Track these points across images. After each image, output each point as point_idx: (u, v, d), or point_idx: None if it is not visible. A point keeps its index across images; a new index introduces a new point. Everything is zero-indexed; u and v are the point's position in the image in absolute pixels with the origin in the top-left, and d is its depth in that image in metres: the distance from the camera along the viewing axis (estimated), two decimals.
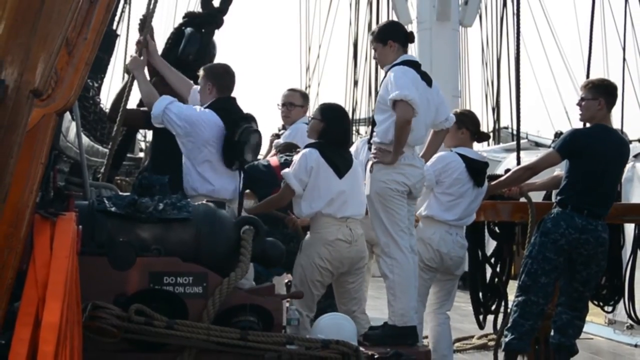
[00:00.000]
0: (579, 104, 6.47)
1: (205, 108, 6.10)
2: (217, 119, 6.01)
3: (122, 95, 6.76)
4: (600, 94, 6.38)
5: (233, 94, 6.32)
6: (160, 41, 7.05)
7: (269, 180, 6.83)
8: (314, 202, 6.10)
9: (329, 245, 6.08)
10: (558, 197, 6.39)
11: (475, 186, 6.64)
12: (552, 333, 6.43)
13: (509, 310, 6.97)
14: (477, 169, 6.67)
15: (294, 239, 6.61)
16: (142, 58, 6.48)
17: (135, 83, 6.53)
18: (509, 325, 6.35)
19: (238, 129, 5.95)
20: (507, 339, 6.30)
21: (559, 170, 6.82)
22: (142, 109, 6.81)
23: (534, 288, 6.24)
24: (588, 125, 6.56)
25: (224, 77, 6.28)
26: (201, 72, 6.27)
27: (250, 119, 6.14)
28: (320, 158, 6.11)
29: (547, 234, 6.25)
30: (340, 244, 6.07)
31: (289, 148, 7.14)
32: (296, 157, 6.25)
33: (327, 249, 6.08)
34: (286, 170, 6.24)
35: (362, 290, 6.46)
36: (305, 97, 8.37)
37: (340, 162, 6.09)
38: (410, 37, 6.18)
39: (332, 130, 6.22)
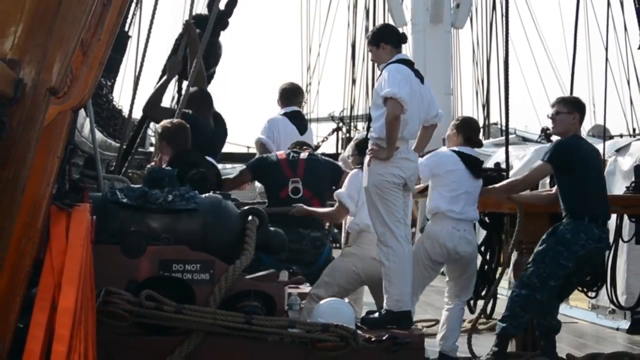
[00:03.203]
0: (552, 118, 6.34)
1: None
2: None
3: (159, 92, 7.23)
4: (575, 110, 6.32)
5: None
6: (169, 42, 7.07)
7: (275, 170, 6.84)
8: (361, 218, 6.24)
9: (365, 261, 6.24)
10: (570, 208, 6.19)
11: (472, 177, 6.52)
12: (539, 318, 6.36)
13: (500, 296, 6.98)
14: (471, 162, 6.57)
15: (305, 238, 6.63)
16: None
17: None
18: (507, 313, 6.21)
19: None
20: (504, 325, 6.20)
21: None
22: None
23: (541, 290, 6.14)
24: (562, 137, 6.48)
25: (178, 135, 6.27)
26: (157, 131, 6.37)
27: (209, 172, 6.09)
28: None
29: (566, 244, 6.10)
30: (375, 264, 6.02)
31: (298, 145, 7.11)
32: (347, 178, 6.44)
33: (362, 264, 6.27)
34: (339, 191, 6.42)
35: None
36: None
37: None
38: (402, 38, 6.16)
39: None
